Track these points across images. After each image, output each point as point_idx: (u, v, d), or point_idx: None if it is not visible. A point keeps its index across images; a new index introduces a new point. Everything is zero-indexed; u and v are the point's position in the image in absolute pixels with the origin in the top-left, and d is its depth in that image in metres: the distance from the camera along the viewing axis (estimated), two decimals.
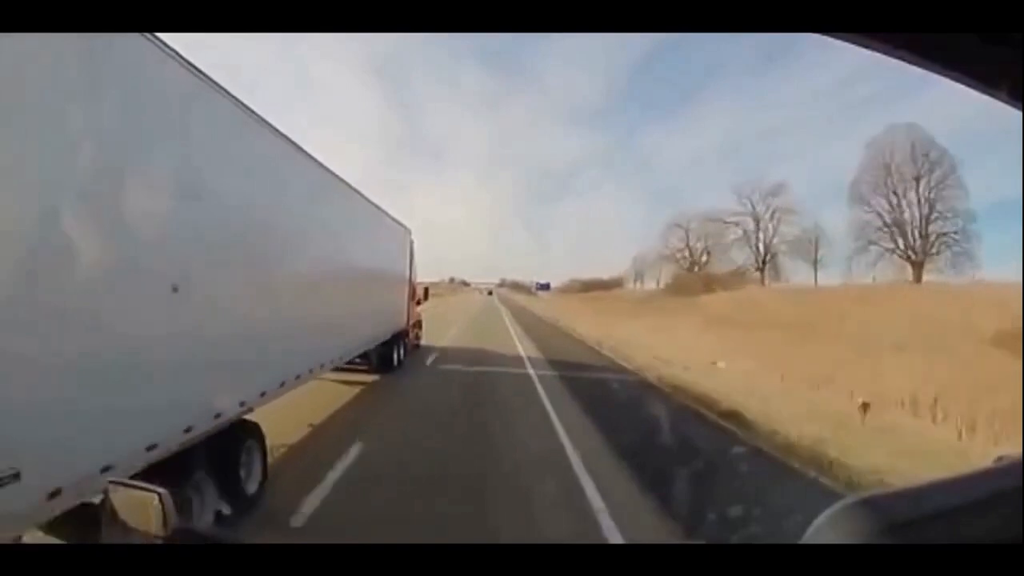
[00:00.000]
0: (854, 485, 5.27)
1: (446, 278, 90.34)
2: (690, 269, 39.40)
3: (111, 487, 1.19)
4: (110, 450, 2.81)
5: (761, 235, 36.52)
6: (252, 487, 4.25)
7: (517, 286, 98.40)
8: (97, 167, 2.68)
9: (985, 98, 0.71)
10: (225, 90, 3.89)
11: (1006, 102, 0.70)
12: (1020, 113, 0.68)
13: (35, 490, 2.32)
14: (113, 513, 1.20)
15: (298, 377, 5.44)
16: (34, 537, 3.03)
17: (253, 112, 4.36)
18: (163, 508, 1.11)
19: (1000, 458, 0.63)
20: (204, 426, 3.58)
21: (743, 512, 3.88)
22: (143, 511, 1.14)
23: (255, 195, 4.58)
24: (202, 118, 3.70)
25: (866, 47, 0.71)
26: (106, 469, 2.73)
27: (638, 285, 47.59)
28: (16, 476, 2.19)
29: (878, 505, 0.53)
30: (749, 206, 36.78)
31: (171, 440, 3.25)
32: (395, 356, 10.85)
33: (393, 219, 10.56)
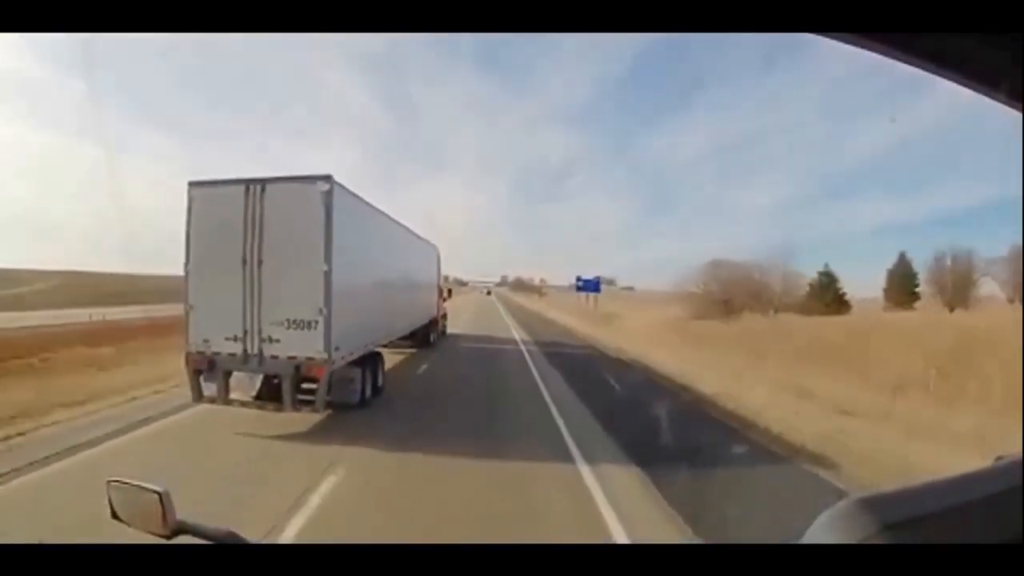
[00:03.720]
0: None
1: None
2: None
3: (111, 486, 1.18)
4: (353, 348, 7.74)
5: None
6: (380, 382, 9.19)
7: (520, 285, 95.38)
8: (371, 256, 9.16)
9: (984, 98, 0.71)
10: (400, 222, 11.66)
11: (1006, 102, 0.70)
12: (1020, 113, 0.68)
13: (341, 354, 7.24)
14: (113, 513, 1.20)
15: (393, 333, 11.16)
16: (36, 538, 3.05)
17: (401, 223, 11.67)
18: (163, 508, 1.10)
19: (999, 458, 0.63)
20: (369, 347, 8.73)
21: None
22: (143, 511, 1.14)
23: (394, 254, 11.03)
24: (386, 231, 10.39)
25: (865, 48, 0.71)
26: (350, 354, 7.60)
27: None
28: (338, 348, 7.07)
29: (878, 505, 0.53)
30: None
31: (361, 349, 8.19)
32: (431, 336, 16.34)
33: (430, 243, 16.21)
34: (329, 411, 7.36)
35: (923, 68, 0.71)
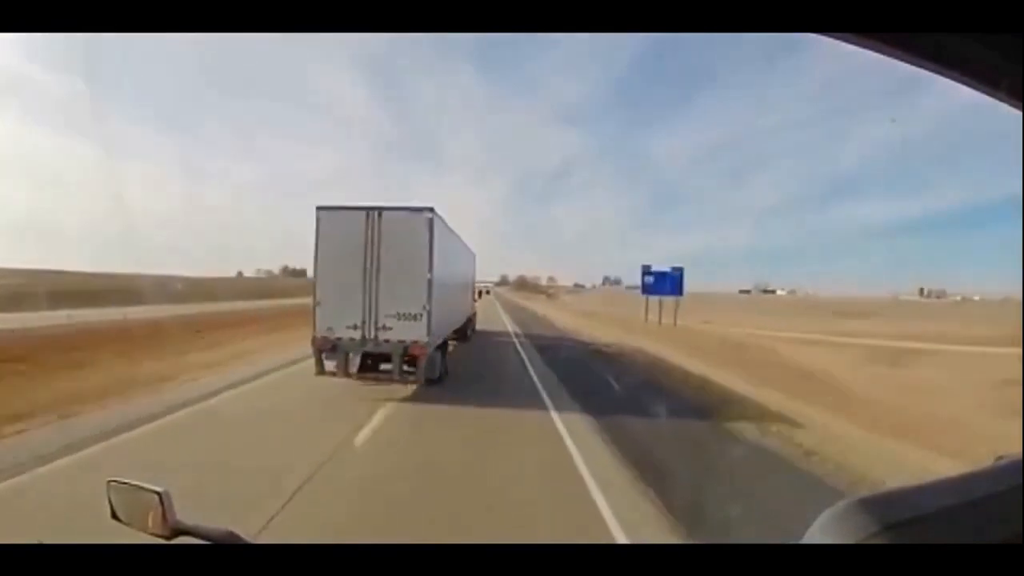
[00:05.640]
0: None
1: None
2: None
3: (111, 487, 1.18)
4: (438, 336, 10.05)
5: None
6: (446, 364, 10.92)
7: (523, 285, 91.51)
8: (442, 264, 10.18)
9: (984, 98, 0.71)
10: (459, 236, 14.02)
11: (1006, 102, 0.70)
12: (1020, 113, 0.68)
13: (433, 339, 9.58)
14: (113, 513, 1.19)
15: (452, 326, 13.10)
16: (36, 537, 3.05)
17: (459, 237, 14.03)
18: (163, 508, 1.10)
19: (1000, 458, 0.63)
20: (444, 336, 11.17)
21: None
22: (143, 511, 1.14)
23: (457, 264, 13.63)
24: (456, 246, 13.18)
25: (866, 48, 0.71)
26: (437, 337, 9.97)
27: None
28: (432, 334, 9.40)
29: (878, 505, 0.53)
30: None
31: (440, 338, 10.46)
32: (468, 331, 18.36)
33: (471, 251, 18.27)
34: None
35: (923, 68, 0.71)
